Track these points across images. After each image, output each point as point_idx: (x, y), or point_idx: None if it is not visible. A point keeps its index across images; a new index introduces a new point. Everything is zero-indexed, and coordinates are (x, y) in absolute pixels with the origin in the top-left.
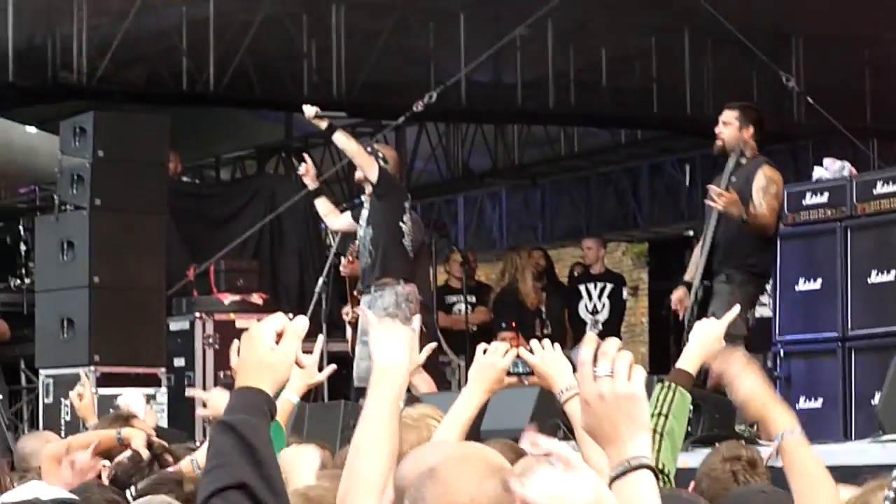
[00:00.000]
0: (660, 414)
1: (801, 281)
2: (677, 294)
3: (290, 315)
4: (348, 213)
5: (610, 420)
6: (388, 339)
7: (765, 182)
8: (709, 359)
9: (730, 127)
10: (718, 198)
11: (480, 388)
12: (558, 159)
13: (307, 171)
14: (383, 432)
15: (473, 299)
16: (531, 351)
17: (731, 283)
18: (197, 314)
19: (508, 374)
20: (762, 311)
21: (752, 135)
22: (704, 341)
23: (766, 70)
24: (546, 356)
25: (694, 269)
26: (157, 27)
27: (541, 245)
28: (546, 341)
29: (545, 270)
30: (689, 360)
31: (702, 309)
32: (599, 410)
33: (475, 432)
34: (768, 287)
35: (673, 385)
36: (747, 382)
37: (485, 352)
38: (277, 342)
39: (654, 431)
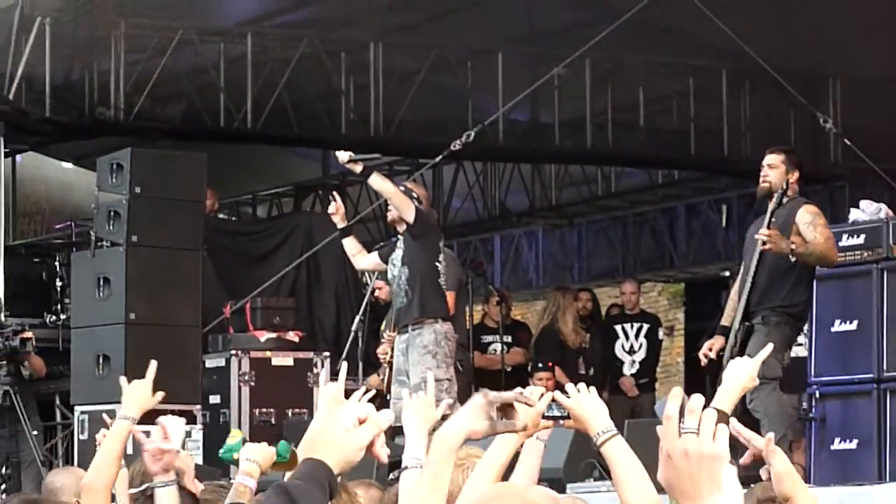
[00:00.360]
0: None
1: (837, 322)
2: (711, 342)
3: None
4: (375, 253)
5: (692, 477)
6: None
7: (811, 217)
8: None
9: (776, 170)
10: (765, 236)
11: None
12: (595, 199)
13: (337, 209)
14: (435, 494)
15: (510, 339)
16: (567, 394)
17: (768, 324)
18: (233, 351)
19: (544, 417)
20: (798, 351)
21: (797, 179)
22: (739, 380)
23: (804, 111)
24: (581, 399)
25: (731, 312)
26: (194, 63)
27: (580, 285)
28: (582, 385)
29: (592, 312)
30: (723, 399)
31: (742, 350)
32: (682, 466)
33: (509, 474)
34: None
35: None
36: (780, 460)
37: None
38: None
39: None
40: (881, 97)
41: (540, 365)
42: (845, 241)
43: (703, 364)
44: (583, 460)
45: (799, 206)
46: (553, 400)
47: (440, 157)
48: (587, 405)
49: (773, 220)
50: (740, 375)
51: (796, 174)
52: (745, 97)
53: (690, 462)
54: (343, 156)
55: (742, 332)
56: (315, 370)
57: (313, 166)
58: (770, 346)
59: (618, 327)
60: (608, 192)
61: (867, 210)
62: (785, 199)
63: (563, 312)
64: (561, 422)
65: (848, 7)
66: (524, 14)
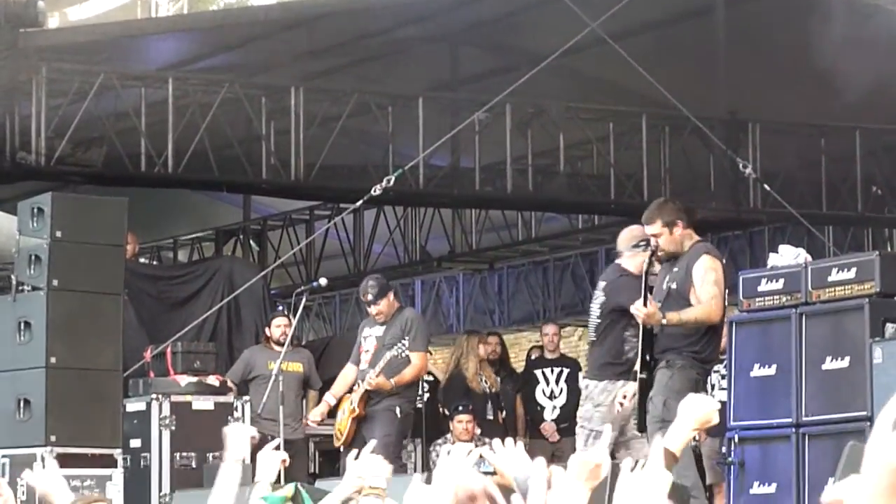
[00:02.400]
0: None
1: (756, 366)
2: (625, 388)
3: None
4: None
5: None
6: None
7: (703, 272)
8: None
9: (661, 237)
10: (638, 314)
11: (448, 489)
12: (515, 244)
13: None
14: None
15: (431, 379)
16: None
17: (672, 367)
18: (154, 395)
19: None
20: (720, 396)
21: (684, 226)
22: (692, 420)
23: (723, 156)
24: (506, 455)
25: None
26: (115, 108)
27: (497, 330)
28: (508, 440)
29: (501, 356)
30: (674, 440)
31: (643, 397)
32: None
33: None
34: (722, 371)
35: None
36: None
37: (448, 453)
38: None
39: None
40: (800, 142)
41: (459, 407)
42: (764, 286)
43: (617, 409)
44: None
45: (699, 255)
46: (480, 457)
47: (361, 201)
48: (511, 461)
49: (676, 269)
50: (694, 413)
51: (678, 224)
52: (664, 142)
53: None
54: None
55: (645, 378)
56: (235, 413)
57: (234, 211)
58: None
59: (538, 372)
60: (529, 236)
61: (786, 255)
62: (686, 247)
63: (466, 356)
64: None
65: (765, 53)
66: (446, 60)
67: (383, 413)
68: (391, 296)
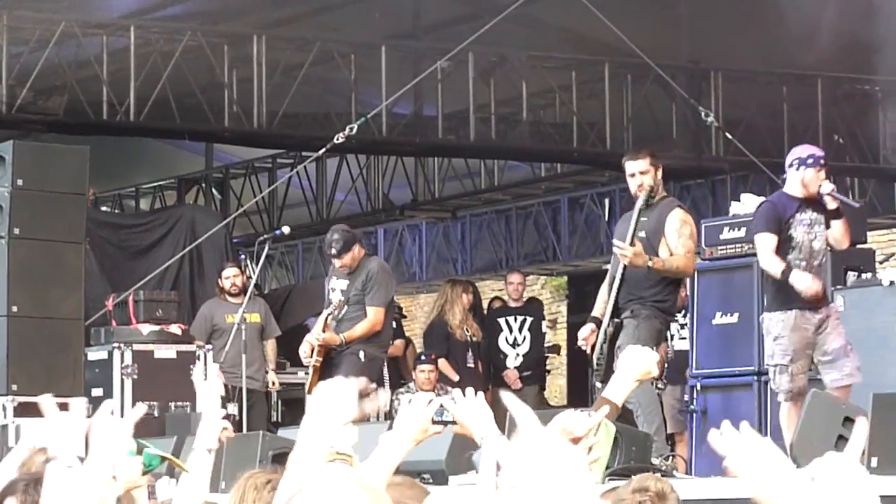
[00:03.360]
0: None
1: (718, 315)
2: (585, 331)
3: None
4: None
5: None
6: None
7: (679, 224)
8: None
9: (648, 174)
10: (622, 254)
11: (407, 438)
12: (478, 192)
13: None
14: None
15: (393, 325)
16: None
17: (637, 317)
18: (115, 344)
19: (434, 422)
20: (680, 344)
21: (661, 175)
22: (633, 370)
23: (685, 105)
24: (466, 406)
25: (602, 305)
26: (77, 56)
27: (460, 278)
28: (469, 390)
29: (473, 304)
30: (616, 390)
31: (612, 346)
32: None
33: None
34: (680, 322)
35: (604, 421)
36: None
37: (409, 401)
38: None
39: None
40: (762, 91)
41: (423, 357)
42: (726, 234)
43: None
44: (465, 453)
45: (671, 208)
46: (441, 406)
47: (323, 150)
48: (471, 411)
49: (645, 219)
50: (634, 366)
51: (660, 171)
52: (627, 91)
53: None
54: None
55: (611, 329)
56: (197, 362)
57: (196, 159)
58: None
59: (501, 320)
60: (491, 185)
61: (748, 203)
62: (655, 198)
63: (452, 305)
64: (449, 426)
65: (727, 2)
66: (409, 8)
67: (347, 357)
68: (356, 248)
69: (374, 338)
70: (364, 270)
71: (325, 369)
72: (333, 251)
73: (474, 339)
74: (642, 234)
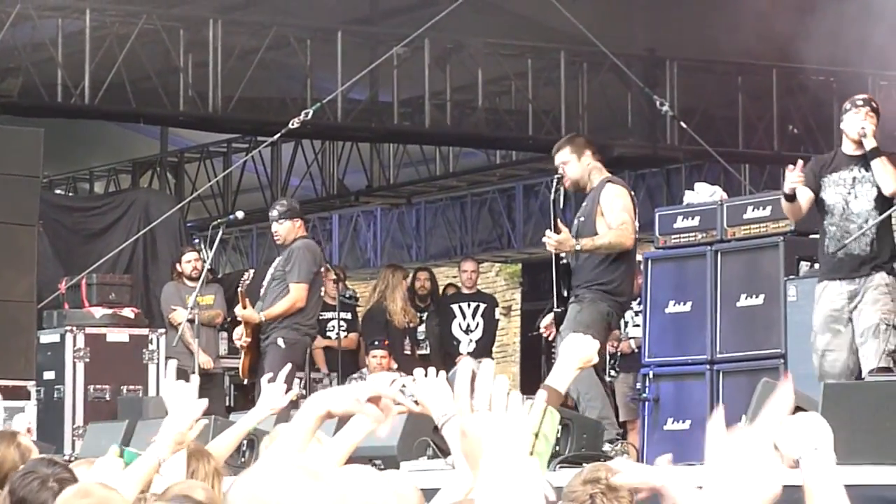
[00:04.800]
0: (534, 434)
1: (671, 303)
2: (546, 319)
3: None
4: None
5: (486, 451)
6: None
7: (609, 199)
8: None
9: (569, 164)
10: (548, 242)
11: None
12: (433, 179)
13: None
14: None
15: (349, 316)
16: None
17: (581, 301)
18: (68, 327)
19: (396, 402)
20: (634, 332)
21: (591, 157)
22: (574, 357)
23: (640, 94)
24: (426, 385)
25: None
26: (32, 38)
27: (419, 265)
28: (431, 370)
29: (431, 291)
30: (559, 378)
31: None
32: (475, 440)
33: None
34: (635, 309)
35: (548, 407)
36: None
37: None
38: None
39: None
40: (717, 80)
41: (376, 342)
42: (680, 223)
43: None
44: (417, 439)
45: (602, 186)
46: (403, 386)
47: (278, 135)
48: (431, 391)
49: (585, 203)
50: (576, 352)
51: (588, 155)
52: (582, 79)
53: (484, 435)
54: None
55: (561, 316)
56: (150, 346)
57: (151, 143)
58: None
59: (454, 306)
60: (446, 171)
61: (702, 192)
62: (594, 181)
63: (392, 291)
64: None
65: None
66: None
67: (269, 348)
68: (296, 223)
69: (295, 319)
70: (290, 249)
71: (256, 359)
72: (274, 213)
73: (412, 325)
74: (581, 218)
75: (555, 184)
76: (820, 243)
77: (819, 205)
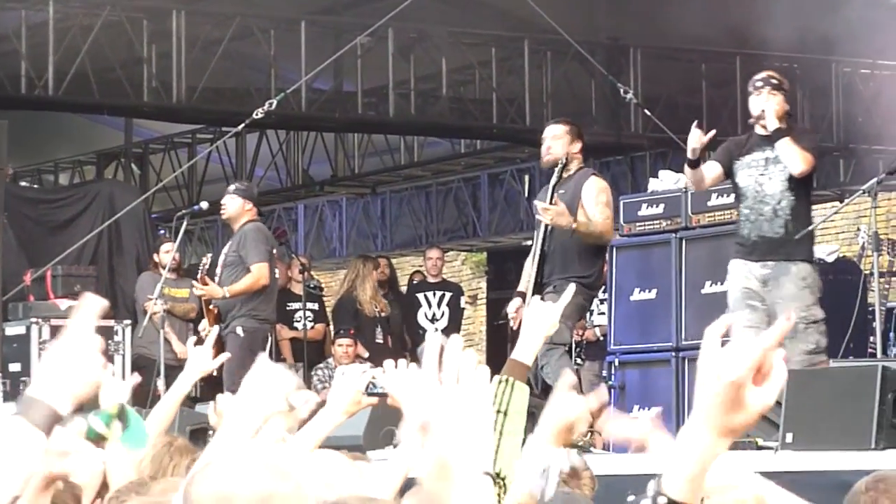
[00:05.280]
0: (498, 411)
1: (637, 291)
2: (513, 305)
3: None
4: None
5: (452, 424)
6: None
7: (596, 192)
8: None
9: (560, 141)
10: (545, 212)
11: (339, 410)
12: (398, 168)
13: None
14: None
15: (316, 306)
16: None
17: (559, 292)
18: (33, 319)
19: (367, 394)
20: (599, 320)
21: (579, 150)
22: (538, 327)
23: (605, 81)
24: (398, 377)
25: (527, 280)
26: None
27: (380, 253)
28: (402, 361)
29: (388, 280)
30: (524, 350)
31: None
32: (443, 415)
33: None
34: (600, 297)
35: (511, 379)
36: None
37: (343, 374)
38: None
39: (494, 431)
40: (681, 68)
41: (341, 331)
42: (645, 211)
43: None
44: (382, 428)
45: (586, 177)
46: (373, 378)
47: (243, 125)
48: (403, 383)
49: (562, 191)
50: (539, 322)
51: (578, 144)
52: (546, 67)
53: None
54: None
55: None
56: (116, 338)
57: (115, 134)
58: (572, 289)
59: (420, 295)
60: (411, 161)
61: (667, 180)
62: (572, 169)
63: (363, 280)
64: (377, 398)
65: None
66: None
67: (229, 337)
68: (247, 204)
69: (252, 307)
70: (240, 232)
71: (221, 349)
72: (232, 187)
73: (383, 314)
74: (561, 205)
75: (558, 168)
76: (737, 228)
77: (734, 189)
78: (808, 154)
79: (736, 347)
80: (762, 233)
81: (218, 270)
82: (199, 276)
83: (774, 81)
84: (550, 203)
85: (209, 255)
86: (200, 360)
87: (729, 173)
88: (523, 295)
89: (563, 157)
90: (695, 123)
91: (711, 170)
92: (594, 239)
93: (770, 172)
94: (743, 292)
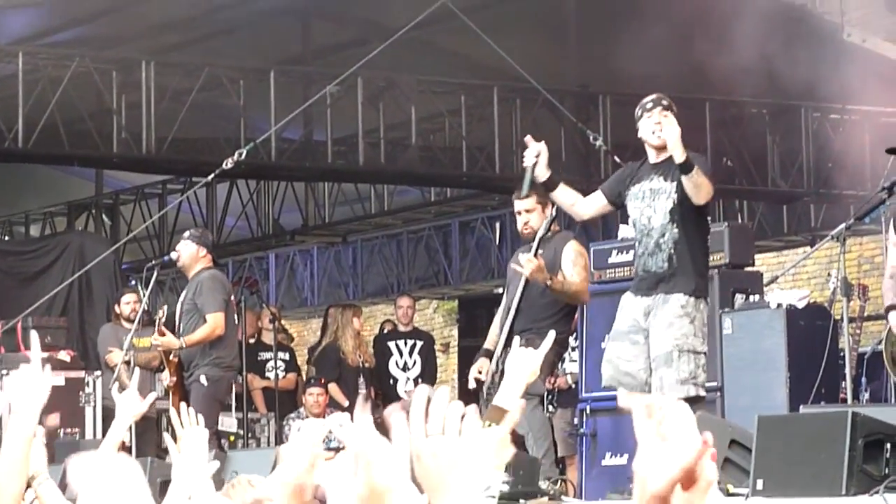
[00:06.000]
0: None
1: (607, 338)
2: (478, 365)
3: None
4: (598, 194)
5: (441, 475)
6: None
7: (573, 256)
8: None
9: (533, 213)
10: (527, 263)
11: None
12: (368, 217)
13: (538, 154)
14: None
15: (287, 356)
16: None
17: (532, 346)
18: (4, 371)
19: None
20: (570, 367)
21: (552, 210)
22: (522, 373)
23: (574, 129)
24: (354, 431)
25: (494, 338)
26: None
27: (352, 302)
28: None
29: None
30: (508, 396)
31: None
32: (431, 466)
33: None
34: (571, 341)
35: (492, 425)
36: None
37: (299, 429)
38: None
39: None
40: None
41: (312, 381)
42: (615, 258)
43: (471, 386)
44: None
45: (565, 241)
46: (329, 432)
47: (213, 175)
48: (359, 436)
49: (542, 251)
50: (522, 368)
51: (550, 205)
52: (516, 114)
53: (440, 462)
54: None
55: (504, 359)
56: (87, 389)
57: (86, 185)
58: (551, 337)
59: (391, 344)
60: (381, 209)
61: None
62: (549, 234)
63: (343, 331)
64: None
65: (615, 26)
66: (297, 33)
67: (193, 386)
68: (201, 251)
69: (216, 355)
70: (196, 280)
71: (184, 398)
72: (187, 233)
73: (366, 364)
74: (542, 261)
75: (541, 235)
76: None
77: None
78: (709, 182)
79: (662, 456)
80: (647, 267)
81: (176, 318)
82: (156, 326)
83: (665, 102)
84: (535, 256)
85: (165, 305)
86: (130, 405)
87: (621, 203)
88: (489, 353)
89: (544, 229)
90: (527, 138)
91: (594, 199)
92: (569, 298)
93: (655, 204)
94: (629, 326)
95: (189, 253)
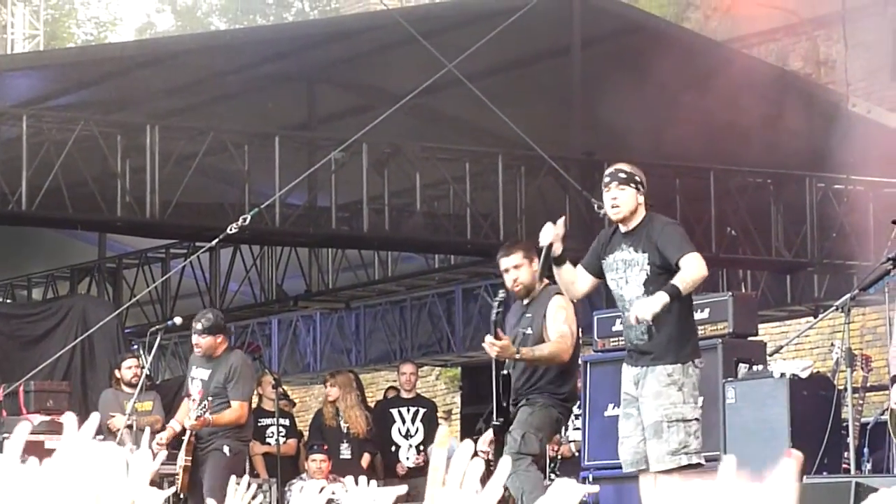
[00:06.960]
0: None
1: (611, 406)
2: (487, 436)
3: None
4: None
5: None
6: None
7: (554, 311)
8: None
9: (521, 268)
10: (491, 347)
11: None
12: (372, 283)
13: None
14: None
15: (287, 422)
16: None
17: (533, 405)
18: (5, 435)
19: None
20: (574, 435)
21: (537, 263)
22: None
23: (578, 196)
24: (359, 495)
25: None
26: None
27: (354, 369)
28: (362, 479)
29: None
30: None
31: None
32: None
33: None
34: (575, 412)
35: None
36: None
37: (301, 489)
38: None
39: None
40: (655, 182)
41: (314, 447)
42: (619, 326)
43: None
44: None
45: (550, 296)
46: (332, 494)
47: (216, 240)
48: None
49: (529, 315)
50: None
51: (535, 261)
52: (520, 182)
53: None
54: None
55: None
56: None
57: (89, 248)
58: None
59: (394, 411)
60: (385, 276)
61: None
62: (537, 289)
63: (345, 396)
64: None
65: (620, 94)
66: (303, 98)
67: (212, 455)
68: (220, 338)
69: (237, 431)
70: (226, 363)
71: (193, 467)
72: (199, 326)
73: (352, 431)
74: (528, 330)
75: (496, 306)
76: None
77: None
78: (699, 269)
79: None
80: (630, 340)
81: (195, 389)
82: (196, 417)
83: (623, 174)
84: (495, 336)
85: (201, 391)
86: (144, 463)
87: (598, 273)
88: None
89: (532, 282)
90: (555, 223)
91: (584, 277)
92: (544, 363)
93: (627, 275)
94: (624, 399)
95: (208, 344)
